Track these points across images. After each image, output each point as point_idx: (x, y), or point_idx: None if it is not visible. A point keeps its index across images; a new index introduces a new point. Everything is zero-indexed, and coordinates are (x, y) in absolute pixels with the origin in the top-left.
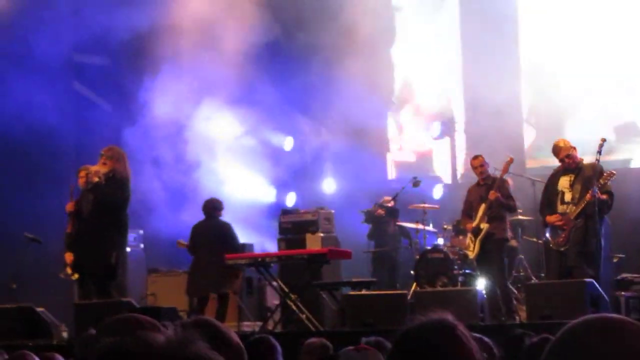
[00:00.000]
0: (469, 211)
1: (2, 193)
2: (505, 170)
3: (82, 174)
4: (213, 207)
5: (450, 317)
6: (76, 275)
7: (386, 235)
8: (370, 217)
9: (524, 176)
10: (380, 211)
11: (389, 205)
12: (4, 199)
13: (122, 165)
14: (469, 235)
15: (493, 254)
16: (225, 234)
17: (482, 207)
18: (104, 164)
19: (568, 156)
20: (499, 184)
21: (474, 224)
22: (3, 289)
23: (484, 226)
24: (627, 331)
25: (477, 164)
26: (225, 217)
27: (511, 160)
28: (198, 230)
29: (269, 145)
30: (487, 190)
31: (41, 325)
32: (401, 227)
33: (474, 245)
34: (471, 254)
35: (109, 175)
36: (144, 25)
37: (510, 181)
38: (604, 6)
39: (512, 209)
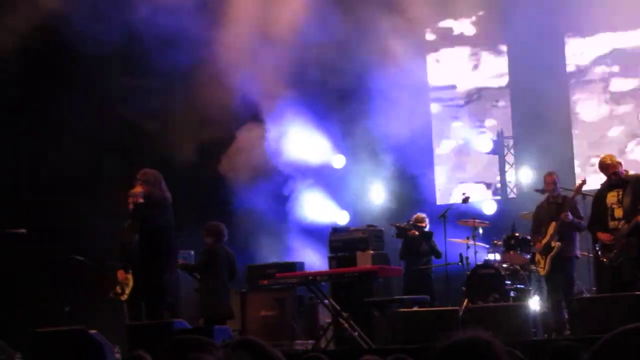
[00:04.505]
0: (537, 229)
1: (53, 215)
2: (578, 191)
3: (130, 200)
4: (224, 231)
5: (485, 334)
6: (125, 296)
7: (418, 255)
8: (402, 233)
9: (573, 190)
10: (414, 232)
11: (422, 225)
12: (55, 221)
13: (157, 188)
14: (538, 252)
15: (564, 271)
16: (234, 261)
17: (553, 225)
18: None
19: (615, 173)
20: (571, 204)
21: (544, 241)
22: (56, 311)
23: (555, 244)
24: None
25: (550, 180)
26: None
27: (584, 182)
28: (222, 253)
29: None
30: (556, 208)
31: (94, 348)
32: (432, 246)
33: (545, 262)
34: (542, 271)
35: (146, 200)
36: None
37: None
38: None
39: (581, 230)
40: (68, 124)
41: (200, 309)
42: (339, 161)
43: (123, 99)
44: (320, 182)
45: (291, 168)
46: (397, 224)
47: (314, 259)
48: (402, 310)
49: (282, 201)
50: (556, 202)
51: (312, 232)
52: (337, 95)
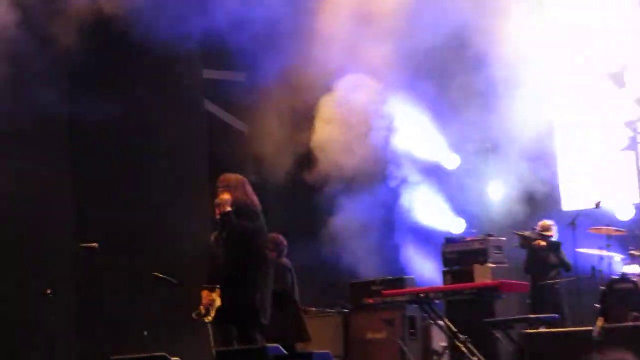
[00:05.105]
0: None
1: (132, 229)
2: None
3: (217, 209)
4: (285, 244)
5: (630, 356)
6: (210, 318)
7: (545, 268)
8: (526, 243)
9: None
10: (542, 242)
11: (549, 234)
12: (135, 235)
13: (242, 193)
14: None
15: None
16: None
17: None
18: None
19: None
20: None
21: None
22: (134, 336)
23: None
24: None
25: None
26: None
27: None
28: (291, 269)
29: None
30: None
31: None
32: (561, 258)
33: None
34: None
35: (234, 208)
36: None
37: None
38: None
39: None
40: (149, 132)
41: (274, 331)
42: (453, 161)
43: (212, 99)
44: (432, 185)
45: (401, 170)
46: (521, 233)
47: (426, 274)
48: (528, 331)
49: (389, 208)
50: None
51: (424, 243)
52: (452, 89)
